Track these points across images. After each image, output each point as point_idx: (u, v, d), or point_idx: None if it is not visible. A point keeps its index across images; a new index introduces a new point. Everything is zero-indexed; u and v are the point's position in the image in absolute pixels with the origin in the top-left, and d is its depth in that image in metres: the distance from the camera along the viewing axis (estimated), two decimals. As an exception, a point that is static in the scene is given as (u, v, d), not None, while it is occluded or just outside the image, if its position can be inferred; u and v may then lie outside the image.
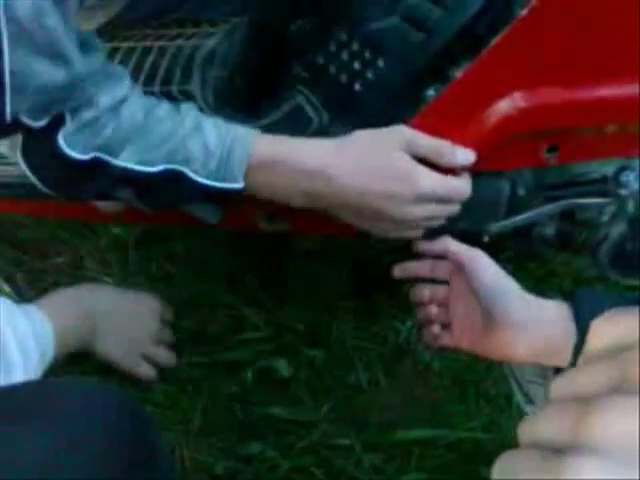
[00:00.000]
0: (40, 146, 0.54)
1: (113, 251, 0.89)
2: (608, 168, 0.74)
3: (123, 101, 0.55)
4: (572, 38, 0.57)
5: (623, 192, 0.73)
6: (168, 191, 0.57)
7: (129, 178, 0.56)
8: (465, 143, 0.59)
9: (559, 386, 0.24)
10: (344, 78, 0.62)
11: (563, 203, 0.75)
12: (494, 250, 0.72)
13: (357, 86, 0.61)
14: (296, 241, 0.92)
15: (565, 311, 0.53)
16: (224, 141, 0.56)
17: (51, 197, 0.60)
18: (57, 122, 0.53)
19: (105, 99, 0.54)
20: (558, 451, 0.21)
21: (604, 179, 0.74)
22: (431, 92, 0.59)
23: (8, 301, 0.63)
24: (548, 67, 0.58)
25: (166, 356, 0.80)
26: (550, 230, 0.79)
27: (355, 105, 0.62)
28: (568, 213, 0.77)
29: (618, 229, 0.78)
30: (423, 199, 0.56)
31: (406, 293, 0.95)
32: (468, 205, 0.70)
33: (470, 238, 0.75)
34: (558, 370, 0.57)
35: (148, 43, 0.77)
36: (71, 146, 0.53)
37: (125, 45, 0.76)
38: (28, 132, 0.53)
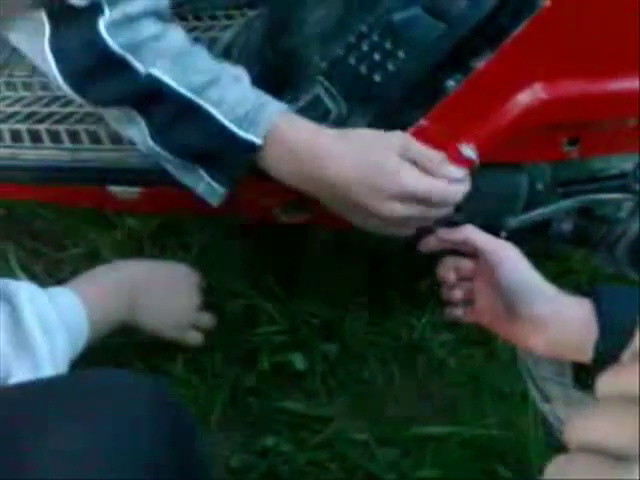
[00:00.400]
0: (76, 28, 0.55)
1: (129, 242, 0.89)
2: (627, 164, 0.74)
3: (162, 15, 0.58)
4: (594, 29, 0.57)
5: (642, 188, 0.73)
6: (186, 125, 0.58)
7: (152, 92, 0.57)
8: (485, 134, 0.59)
9: (607, 383, 0.23)
10: (364, 69, 0.62)
11: (581, 199, 0.74)
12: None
13: (377, 77, 0.61)
14: (312, 232, 0.92)
15: (587, 307, 0.53)
16: (259, 96, 0.58)
17: (68, 183, 0.61)
18: (97, 8, 0.54)
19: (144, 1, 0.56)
20: (620, 457, 0.20)
21: (623, 175, 0.74)
22: (452, 83, 0.59)
23: (32, 287, 0.60)
24: (570, 58, 0.58)
25: (208, 319, 0.80)
26: (568, 226, 0.78)
27: (375, 96, 0.62)
28: (586, 209, 0.77)
29: (636, 226, 0.78)
30: (406, 197, 0.57)
31: (421, 289, 0.96)
32: (486, 198, 0.70)
33: (488, 232, 0.75)
34: (577, 368, 0.56)
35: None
36: (110, 33, 0.55)
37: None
38: (66, 10, 0.54)
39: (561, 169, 0.72)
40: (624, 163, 0.74)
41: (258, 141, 0.57)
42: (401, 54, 0.60)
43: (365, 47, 0.62)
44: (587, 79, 0.60)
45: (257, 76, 0.72)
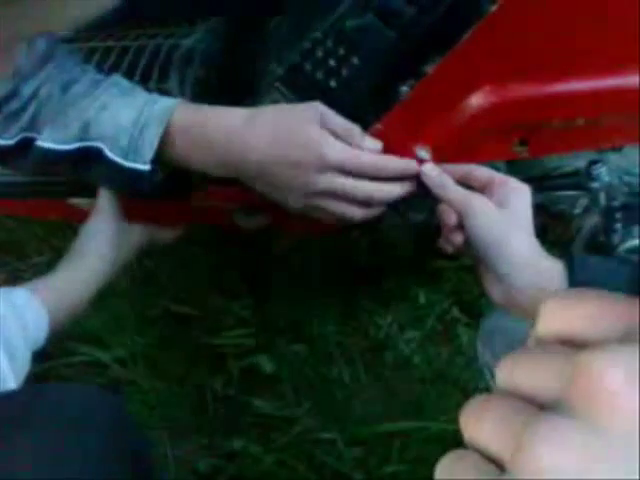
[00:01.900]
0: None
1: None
2: (580, 161, 0.76)
3: (44, 83, 0.58)
4: (540, 33, 0.59)
5: (594, 185, 0.75)
6: (88, 169, 0.59)
7: (52, 157, 0.58)
8: (438, 136, 0.61)
9: (503, 372, 0.20)
10: (320, 75, 0.63)
11: (537, 196, 0.76)
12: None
13: (333, 83, 0.62)
14: (278, 235, 0.93)
15: (558, 272, 0.53)
16: (139, 118, 0.57)
17: (30, 196, 0.61)
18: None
19: (27, 88, 0.57)
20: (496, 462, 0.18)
21: (576, 172, 0.76)
22: (405, 88, 0.60)
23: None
24: (517, 61, 0.60)
25: None
26: (525, 223, 0.80)
27: (331, 101, 0.63)
28: (542, 206, 0.79)
29: (591, 221, 0.80)
30: (329, 168, 0.55)
31: (386, 288, 0.97)
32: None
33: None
34: None
35: (126, 43, 0.77)
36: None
37: (102, 45, 0.77)
38: None
39: (516, 168, 0.74)
40: (577, 161, 0.76)
41: (145, 167, 0.56)
42: (355, 60, 0.61)
43: (320, 53, 0.63)
44: (535, 81, 0.61)
45: (217, 82, 0.73)
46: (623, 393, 0.15)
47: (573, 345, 0.18)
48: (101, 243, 0.67)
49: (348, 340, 0.91)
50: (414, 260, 0.92)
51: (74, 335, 0.81)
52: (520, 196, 0.58)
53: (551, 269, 0.53)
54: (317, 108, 0.57)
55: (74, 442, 0.38)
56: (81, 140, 0.57)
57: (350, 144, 0.57)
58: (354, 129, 0.58)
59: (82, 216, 0.68)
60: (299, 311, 0.91)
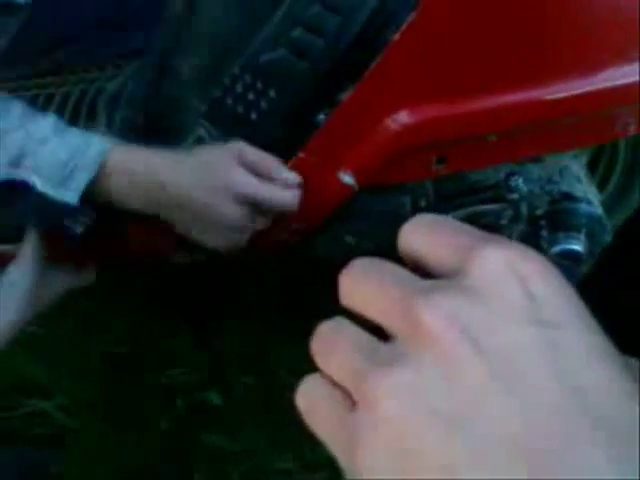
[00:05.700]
0: None
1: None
2: (500, 174, 0.80)
3: None
4: (445, 56, 0.62)
5: (514, 196, 0.78)
6: (13, 201, 0.60)
7: None
8: (357, 160, 0.63)
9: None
10: (240, 109, 0.65)
11: (464, 211, 0.80)
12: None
13: (253, 115, 0.65)
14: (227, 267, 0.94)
15: None
16: (71, 160, 0.59)
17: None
18: None
19: None
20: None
21: (496, 185, 0.80)
22: (322, 116, 0.63)
23: None
24: (426, 84, 0.63)
25: None
26: (456, 237, 0.83)
27: (253, 133, 0.65)
28: (471, 219, 0.82)
29: (517, 230, 0.84)
30: (240, 198, 0.59)
31: (334, 313, 0.98)
32: (372, 220, 0.74)
33: (381, 253, 0.79)
34: None
35: (51, 90, 0.78)
36: None
37: (28, 94, 0.77)
38: None
39: (442, 185, 0.77)
40: (498, 174, 0.80)
41: (72, 201, 0.58)
42: (272, 93, 0.63)
43: (239, 88, 0.65)
44: (445, 101, 0.65)
45: (144, 121, 0.75)
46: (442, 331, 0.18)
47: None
48: (20, 293, 0.67)
49: (300, 366, 0.92)
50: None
51: (16, 386, 0.80)
52: None
53: None
54: (235, 147, 0.60)
55: None
56: (9, 171, 0.58)
57: (270, 176, 0.60)
58: (272, 164, 0.61)
59: (8, 261, 0.68)
60: (250, 342, 0.91)
